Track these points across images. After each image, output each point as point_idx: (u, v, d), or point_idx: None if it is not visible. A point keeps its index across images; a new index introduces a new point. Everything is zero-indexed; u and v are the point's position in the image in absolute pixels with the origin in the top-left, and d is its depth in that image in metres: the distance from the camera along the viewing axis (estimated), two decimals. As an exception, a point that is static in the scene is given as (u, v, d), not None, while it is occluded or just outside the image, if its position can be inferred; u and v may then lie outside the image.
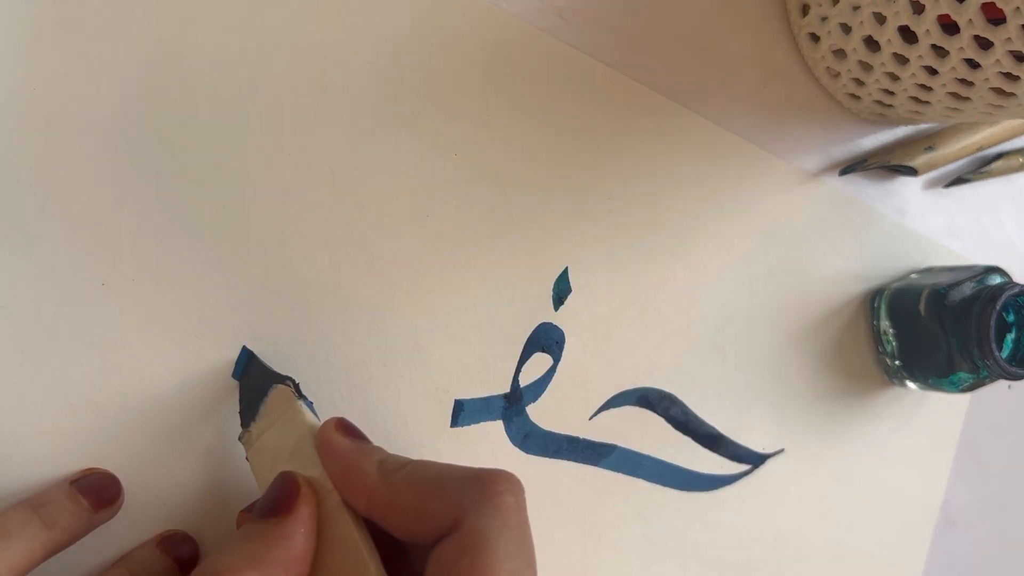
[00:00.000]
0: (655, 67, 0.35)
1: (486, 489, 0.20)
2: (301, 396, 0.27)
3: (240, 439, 0.27)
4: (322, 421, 0.25)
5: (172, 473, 0.28)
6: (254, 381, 0.27)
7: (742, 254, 0.38)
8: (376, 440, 0.30)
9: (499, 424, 0.33)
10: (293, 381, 0.27)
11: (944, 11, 0.30)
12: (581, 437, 0.34)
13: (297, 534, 0.21)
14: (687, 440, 0.37)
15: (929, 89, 0.34)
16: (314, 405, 0.28)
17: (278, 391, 0.26)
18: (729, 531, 0.38)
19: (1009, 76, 0.30)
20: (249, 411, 0.27)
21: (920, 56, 0.32)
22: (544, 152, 0.33)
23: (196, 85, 0.28)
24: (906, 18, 0.32)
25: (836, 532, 0.41)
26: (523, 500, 0.21)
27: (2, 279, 0.26)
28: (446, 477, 0.21)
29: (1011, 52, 0.29)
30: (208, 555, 0.27)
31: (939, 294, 0.38)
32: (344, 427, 0.24)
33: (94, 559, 0.27)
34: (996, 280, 0.38)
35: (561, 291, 0.34)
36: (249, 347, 0.28)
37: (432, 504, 0.21)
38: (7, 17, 0.26)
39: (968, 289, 0.38)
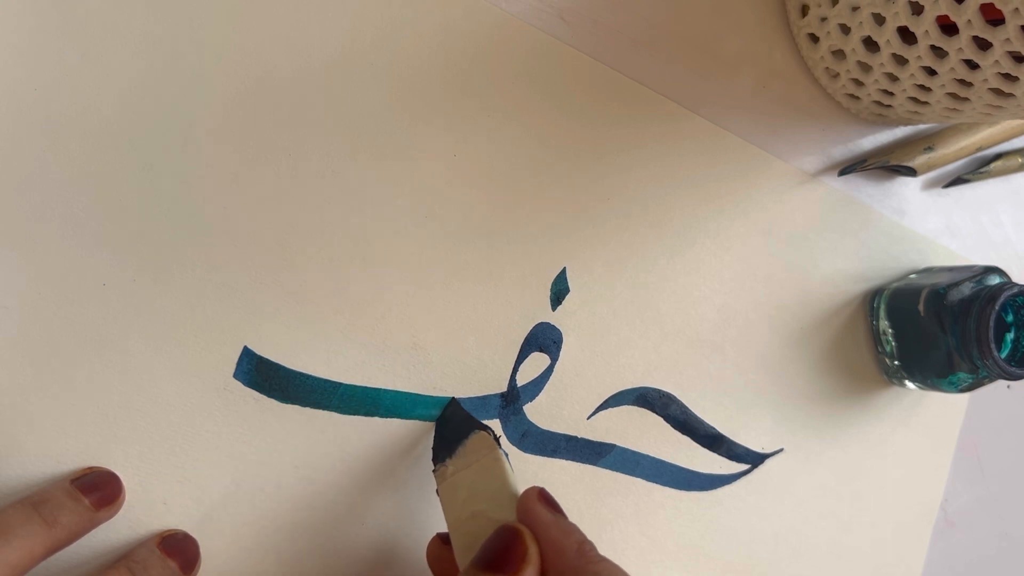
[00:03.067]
0: (655, 68, 0.36)
1: None
2: (500, 447, 0.28)
3: (434, 472, 0.29)
4: (516, 474, 0.26)
5: (173, 472, 0.28)
6: (454, 423, 0.30)
7: (741, 254, 0.38)
8: (377, 440, 0.31)
9: (496, 423, 0.33)
10: (493, 432, 0.29)
11: (943, 12, 0.30)
12: (579, 436, 0.34)
13: None
14: (686, 440, 0.37)
15: (928, 90, 0.34)
16: (509, 457, 0.29)
17: (479, 436, 0.29)
18: (728, 531, 0.38)
19: (1008, 77, 0.30)
20: (445, 449, 0.29)
21: (919, 57, 0.32)
22: (543, 152, 0.33)
23: (197, 85, 0.28)
24: (905, 19, 0.32)
25: (836, 532, 0.41)
26: None
27: (2, 279, 0.26)
28: None
29: (1010, 53, 0.29)
30: None
31: (938, 294, 0.38)
32: (546, 499, 0.25)
33: (94, 558, 0.27)
34: (995, 280, 0.38)
35: (559, 291, 0.34)
36: (253, 350, 0.28)
37: None
38: (7, 17, 0.26)
39: (967, 289, 0.38)
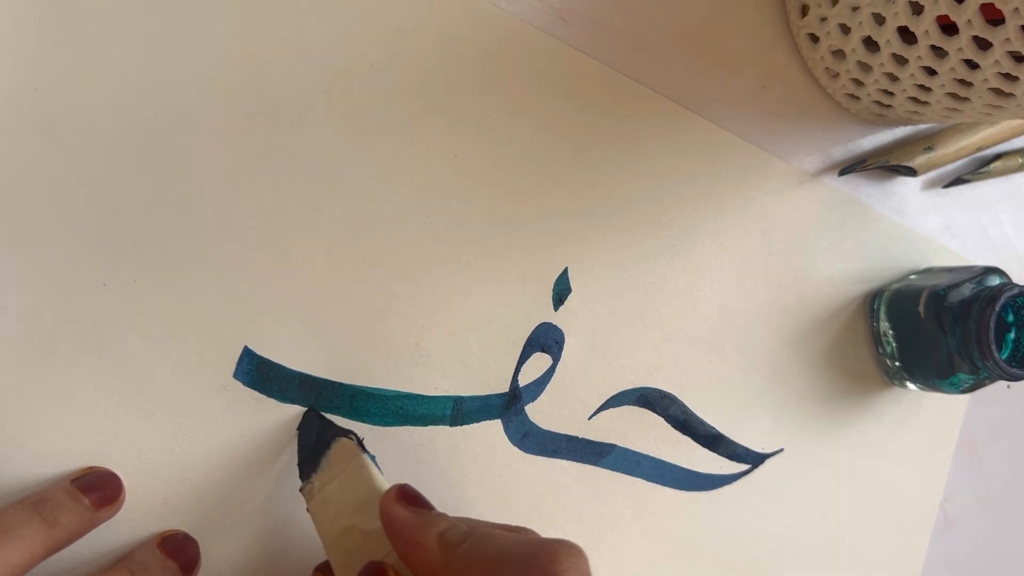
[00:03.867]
0: (655, 68, 0.36)
1: (547, 570, 0.20)
2: (364, 450, 0.27)
3: (301, 491, 0.28)
4: (384, 475, 0.25)
5: (173, 472, 0.28)
6: (313, 434, 0.28)
7: (742, 254, 0.38)
8: (377, 439, 0.30)
9: (498, 423, 0.33)
10: (356, 436, 0.27)
11: (943, 12, 0.30)
12: (580, 436, 0.34)
13: None
14: (686, 440, 0.37)
15: (928, 90, 0.34)
16: (376, 459, 0.28)
17: (341, 444, 0.27)
18: (728, 531, 0.38)
19: (1008, 77, 0.30)
20: (309, 463, 0.28)
21: (919, 57, 0.32)
22: (544, 152, 0.33)
23: (197, 85, 0.28)
24: (905, 19, 0.32)
25: (835, 532, 0.41)
26: (587, 571, 0.21)
27: (2, 279, 0.26)
28: (507, 557, 0.21)
29: (1010, 53, 0.29)
30: None
31: (938, 295, 0.38)
32: (405, 496, 0.24)
33: (94, 558, 0.27)
34: (995, 281, 0.38)
35: (561, 291, 0.34)
36: (254, 350, 0.28)
37: None
38: (7, 17, 0.26)
39: (967, 290, 0.38)
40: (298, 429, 0.29)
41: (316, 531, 0.26)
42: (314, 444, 0.28)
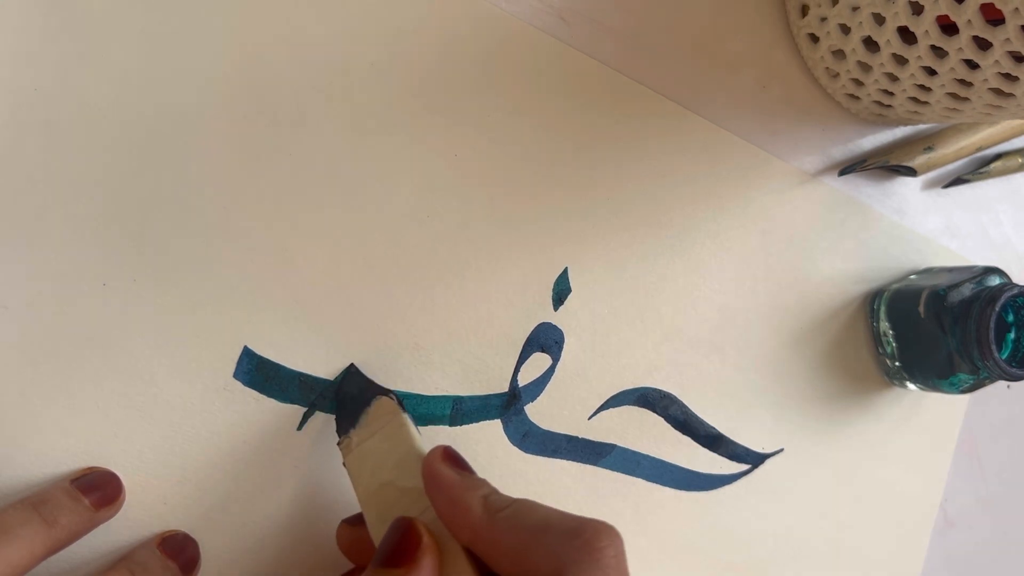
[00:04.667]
0: (655, 68, 0.36)
1: (588, 544, 0.21)
2: (404, 410, 0.27)
3: (339, 445, 0.28)
4: (422, 435, 0.25)
5: (173, 472, 0.28)
6: (354, 390, 0.29)
7: (742, 254, 0.38)
8: (376, 440, 0.30)
9: (498, 423, 0.33)
10: (396, 395, 0.28)
11: (943, 12, 0.30)
12: (580, 436, 0.34)
13: None
14: (686, 440, 0.37)
15: (928, 90, 0.34)
16: (414, 419, 0.28)
17: (382, 402, 0.27)
18: (728, 531, 0.38)
19: (1008, 77, 0.30)
20: (348, 418, 0.28)
21: (919, 57, 0.32)
22: (544, 152, 0.33)
23: (197, 85, 0.28)
24: (905, 19, 0.32)
25: (836, 532, 0.41)
26: (623, 553, 0.21)
27: (2, 279, 0.26)
28: (549, 527, 0.22)
29: (1010, 53, 0.29)
30: None
31: (938, 295, 0.38)
32: (450, 457, 0.24)
33: (94, 558, 0.27)
34: (995, 281, 0.38)
35: (561, 291, 0.34)
36: (254, 350, 0.28)
37: (535, 552, 0.21)
38: (7, 17, 0.26)
39: (967, 290, 0.38)
40: (338, 384, 0.29)
41: (351, 485, 0.27)
42: (354, 400, 0.28)
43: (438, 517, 0.23)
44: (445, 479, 0.24)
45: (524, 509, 0.22)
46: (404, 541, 0.22)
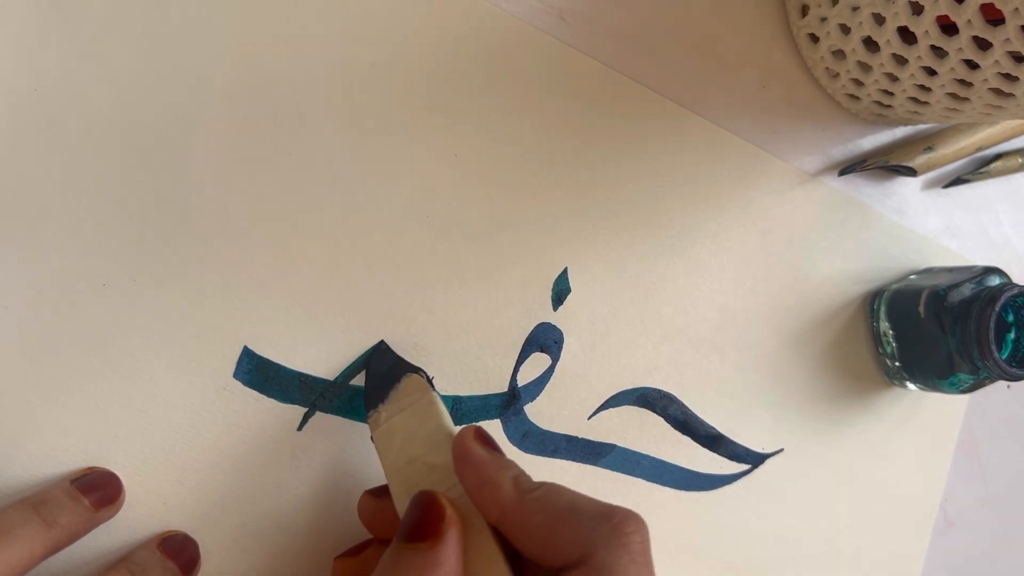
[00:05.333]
0: (655, 68, 0.36)
1: (617, 528, 0.21)
2: (433, 389, 0.28)
3: (367, 420, 0.28)
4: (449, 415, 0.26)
5: (172, 472, 0.28)
6: (383, 367, 0.29)
7: (741, 254, 0.38)
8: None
9: (497, 423, 0.33)
10: (426, 373, 0.28)
11: (943, 12, 0.30)
12: (580, 436, 0.34)
13: (449, 560, 0.22)
14: (686, 440, 0.37)
15: (928, 90, 0.34)
16: (443, 399, 0.28)
17: (412, 379, 0.28)
18: (728, 531, 0.38)
19: (1008, 77, 0.30)
20: (377, 393, 0.28)
21: (919, 57, 0.32)
22: (544, 152, 0.33)
23: (197, 85, 0.28)
24: (905, 19, 0.32)
25: (836, 532, 0.41)
26: (648, 541, 0.22)
27: (2, 279, 0.26)
28: (578, 510, 0.22)
29: (1010, 53, 0.29)
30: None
31: (938, 295, 0.38)
32: (482, 437, 0.25)
33: (94, 559, 0.27)
34: (995, 281, 0.38)
35: (560, 291, 0.34)
36: (254, 350, 0.28)
37: (563, 533, 0.21)
38: (7, 17, 0.26)
39: (967, 290, 0.38)
40: (367, 360, 0.30)
41: (379, 459, 0.27)
42: (384, 376, 0.29)
43: (467, 494, 0.24)
44: (477, 457, 0.24)
45: (554, 491, 0.23)
46: (428, 515, 0.23)
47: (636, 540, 0.21)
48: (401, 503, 0.25)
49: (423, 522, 0.22)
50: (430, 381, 0.28)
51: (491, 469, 0.23)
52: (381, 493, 0.28)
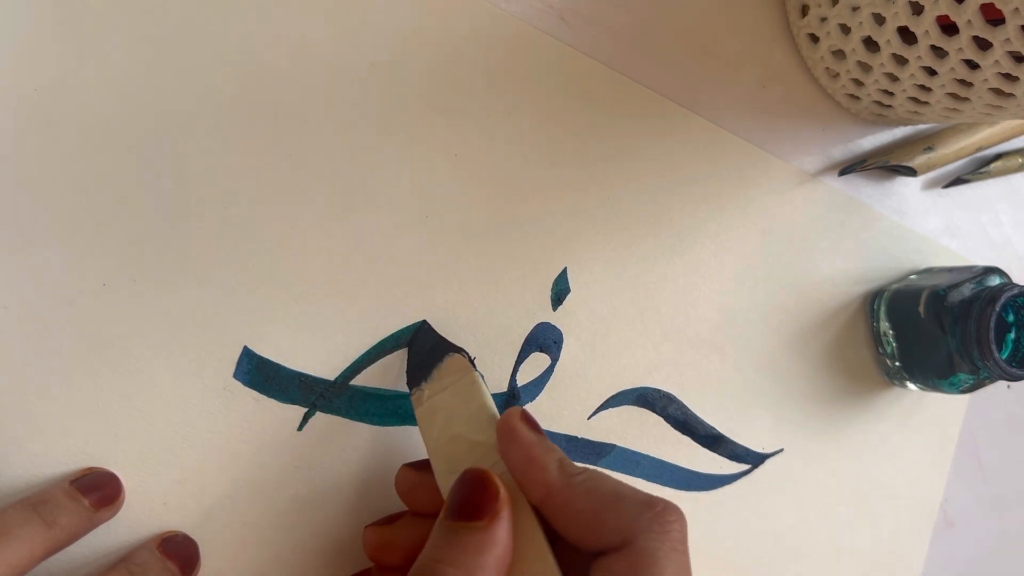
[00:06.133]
0: (655, 68, 0.36)
1: (659, 516, 0.22)
2: (475, 368, 0.28)
3: (410, 396, 0.29)
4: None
5: (173, 472, 0.28)
6: (426, 347, 0.30)
7: (741, 254, 0.38)
8: (377, 440, 0.30)
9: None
10: (468, 353, 0.29)
11: (943, 12, 0.30)
12: (580, 436, 0.34)
13: (504, 539, 0.22)
14: (686, 440, 0.37)
15: (928, 90, 0.34)
16: (485, 379, 0.29)
17: (455, 358, 0.29)
18: (728, 531, 0.38)
19: (1008, 77, 0.30)
20: (420, 372, 0.29)
21: (919, 57, 0.32)
22: (544, 152, 0.33)
23: (197, 85, 0.28)
24: (905, 19, 0.32)
25: (836, 532, 0.41)
26: (686, 531, 0.22)
27: (2, 279, 0.26)
28: (622, 496, 0.23)
29: (1010, 53, 0.29)
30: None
31: (938, 295, 0.38)
32: (527, 418, 0.25)
33: (94, 559, 0.27)
34: (995, 281, 0.38)
35: (560, 291, 0.34)
36: (254, 350, 0.28)
37: (607, 517, 0.22)
38: (7, 17, 0.26)
39: (967, 290, 0.38)
40: (410, 338, 0.31)
41: (421, 435, 0.28)
42: (427, 354, 0.29)
43: (511, 473, 0.24)
44: (523, 437, 0.24)
45: (599, 477, 0.23)
46: (482, 493, 0.23)
47: (676, 529, 0.22)
48: (443, 478, 0.26)
49: (476, 500, 0.23)
50: (472, 361, 0.29)
51: (537, 450, 0.24)
52: (421, 467, 0.28)
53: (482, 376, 0.28)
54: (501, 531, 0.22)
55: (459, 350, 0.29)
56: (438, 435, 0.27)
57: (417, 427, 0.31)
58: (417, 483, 0.28)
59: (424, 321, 0.31)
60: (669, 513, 0.22)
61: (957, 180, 0.44)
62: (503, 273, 0.33)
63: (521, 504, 0.23)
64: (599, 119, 0.34)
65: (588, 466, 0.24)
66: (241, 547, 0.29)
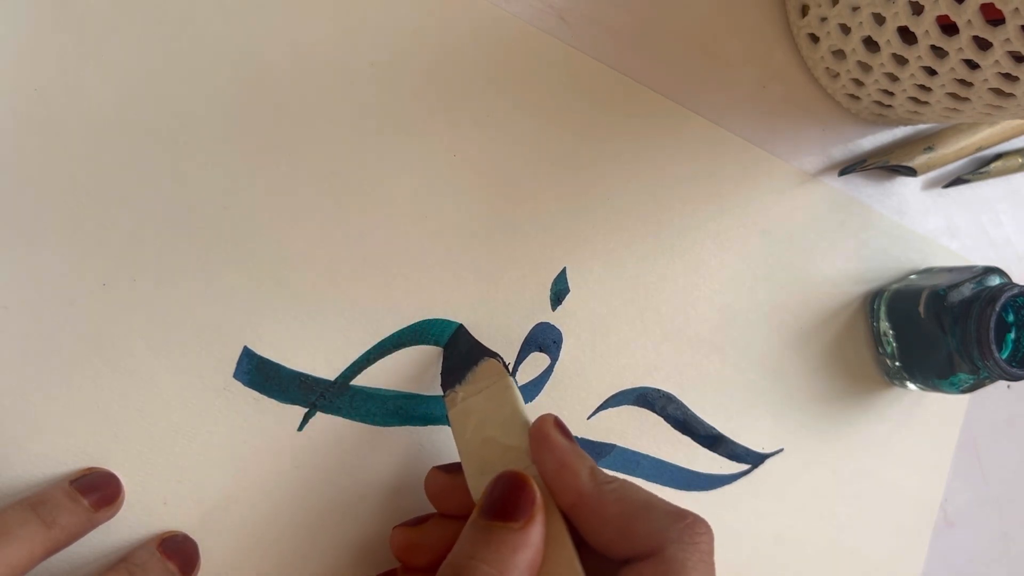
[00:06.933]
0: (655, 67, 0.35)
1: (690, 528, 0.22)
2: (510, 373, 0.28)
3: (443, 398, 0.30)
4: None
5: (172, 472, 0.28)
6: (462, 350, 0.30)
7: (742, 254, 0.38)
8: (377, 440, 0.31)
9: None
10: (502, 359, 0.29)
11: (943, 12, 0.30)
12: (579, 436, 0.34)
13: (538, 542, 0.23)
14: (686, 440, 0.37)
15: (928, 90, 0.34)
16: (518, 385, 0.29)
17: (489, 363, 0.29)
18: (729, 531, 0.38)
19: (1008, 77, 0.30)
20: (454, 375, 0.30)
21: (919, 57, 0.32)
22: (543, 152, 0.33)
23: (197, 85, 0.28)
24: (905, 19, 0.32)
25: (836, 532, 0.41)
26: (713, 545, 0.23)
27: (2, 279, 0.26)
28: (653, 506, 0.23)
29: (1010, 53, 0.29)
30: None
31: (938, 295, 0.38)
32: (559, 425, 0.26)
33: (94, 559, 0.27)
34: (995, 281, 0.38)
35: (559, 291, 0.34)
36: (254, 350, 0.28)
37: (637, 526, 0.23)
38: (7, 17, 0.26)
39: (967, 290, 0.38)
40: (447, 341, 0.31)
41: (452, 436, 0.28)
42: (463, 358, 0.30)
43: (542, 477, 0.24)
44: (556, 443, 0.25)
45: (630, 486, 0.24)
46: (518, 495, 0.23)
47: (705, 541, 0.22)
48: (474, 480, 0.26)
49: (514, 500, 0.23)
50: (507, 367, 0.29)
51: (570, 456, 0.24)
52: (451, 469, 0.28)
53: (516, 382, 0.29)
54: (535, 534, 0.23)
55: (494, 355, 0.29)
56: (470, 437, 0.27)
57: (417, 427, 0.31)
58: (447, 485, 0.28)
59: (460, 325, 0.31)
60: (699, 525, 0.23)
61: (957, 180, 0.44)
62: (503, 273, 0.33)
63: (551, 509, 0.24)
64: (599, 119, 0.34)
65: (618, 475, 0.24)
66: (241, 547, 0.29)
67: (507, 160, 0.33)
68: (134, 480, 0.27)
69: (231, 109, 0.28)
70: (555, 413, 0.34)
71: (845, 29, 0.36)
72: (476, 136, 0.32)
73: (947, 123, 0.41)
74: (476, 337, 0.31)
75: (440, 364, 0.31)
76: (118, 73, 0.27)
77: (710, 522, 0.24)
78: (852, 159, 0.41)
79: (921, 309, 0.38)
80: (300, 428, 0.29)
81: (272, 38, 0.29)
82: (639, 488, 0.24)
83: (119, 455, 0.27)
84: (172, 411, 0.28)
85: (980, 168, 0.44)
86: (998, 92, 0.32)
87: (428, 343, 0.31)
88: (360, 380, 0.30)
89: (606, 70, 0.34)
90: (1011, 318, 0.38)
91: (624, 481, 0.24)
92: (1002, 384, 0.48)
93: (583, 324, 0.34)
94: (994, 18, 0.29)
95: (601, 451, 0.35)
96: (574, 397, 0.34)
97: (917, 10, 0.31)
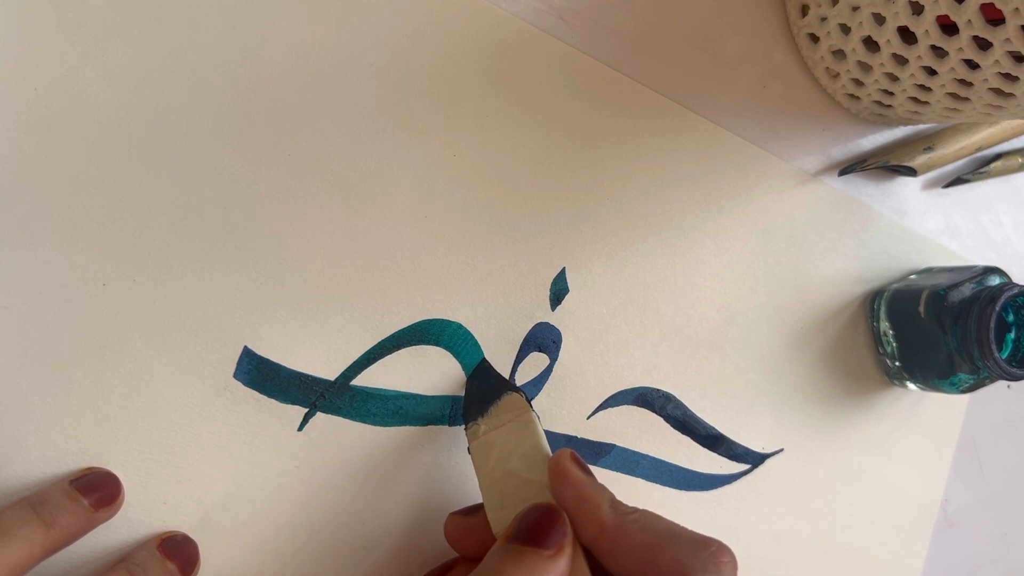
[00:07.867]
0: (655, 67, 0.36)
1: (714, 556, 0.23)
2: (532, 408, 0.29)
3: (465, 431, 0.30)
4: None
5: (172, 472, 0.28)
6: (485, 383, 0.31)
7: (742, 254, 0.38)
8: (377, 440, 0.31)
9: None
10: (525, 393, 0.29)
11: (943, 12, 0.30)
12: (579, 436, 0.34)
13: (566, 572, 0.23)
14: (686, 439, 0.37)
15: (928, 90, 0.34)
16: (540, 419, 0.30)
17: (512, 397, 0.29)
18: (728, 531, 0.38)
19: (1008, 77, 0.30)
20: (476, 408, 0.30)
21: (919, 57, 0.32)
22: (543, 152, 0.33)
23: (197, 85, 0.28)
24: (905, 19, 0.32)
25: (836, 532, 0.41)
26: (737, 573, 0.23)
27: (2, 279, 0.26)
28: (677, 534, 0.23)
29: (1010, 53, 0.29)
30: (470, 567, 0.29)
31: (938, 295, 0.38)
32: (577, 460, 0.26)
33: (94, 559, 0.27)
34: (995, 280, 0.38)
35: (559, 291, 0.34)
36: (254, 350, 0.28)
37: (660, 554, 0.23)
38: (7, 17, 0.26)
39: (967, 290, 0.38)
40: (469, 376, 0.32)
41: (474, 468, 0.29)
42: (485, 391, 0.30)
43: (564, 510, 0.25)
44: (575, 477, 0.25)
45: (652, 516, 0.24)
46: (552, 524, 0.24)
47: (729, 569, 0.23)
48: (494, 512, 0.27)
49: (548, 528, 0.24)
50: (528, 401, 0.29)
51: (589, 489, 0.25)
52: (468, 512, 0.29)
53: (538, 416, 0.29)
54: (563, 564, 0.23)
55: (517, 389, 0.30)
56: (491, 469, 0.28)
57: (417, 427, 0.31)
58: (469, 528, 0.28)
59: (483, 358, 0.32)
60: (723, 554, 0.23)
61: (957, 180, 0.44)
62: (502, 273, 0.33)
63: (575, 544, 0.24)
64: (599, 119, 0.34)
65: (638, 507, 0.25)
66: (241, 547, 0.29)
67: (507, 160, 0.33)
68: (134, 480, 0.27)
69: (231, 109, 0.28)
70: (555, 413, 0.34)
71: (845, 29, 0.36)
72: (476, 136, 0.32)
73: (947, 123, 0.41)
74: (480, 340, 0.31)
75: (463, 396, 0.32)
76: (118, 73, 0.27)
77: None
78: (852, 159, 0.41)
79: (921, 309, 0.38)
80: (300, 428, 0.29)
81: (272, 38, 0.29)
82: (661, 517, 0.24)
83: (119, 455, 0.27)
84: (172, 411, 0.28)
85: (980, 168, 0.44)
86: (998, 92, 0.32)
87: (428, 343, 0.31)
88: (360, 380, 0.30)
89: (606, 70, 0.34)
90: (1011, 318, 0.38)
91: (645, 511, 0.24)
92: (1002, 384, 0.48)
93: (582, 324, 0.34)
94: (994, 18, 0.29)
95: (601, 451, 0.35)
96: (574, 397, 0.34)
97: (917, 10, 0.31)
